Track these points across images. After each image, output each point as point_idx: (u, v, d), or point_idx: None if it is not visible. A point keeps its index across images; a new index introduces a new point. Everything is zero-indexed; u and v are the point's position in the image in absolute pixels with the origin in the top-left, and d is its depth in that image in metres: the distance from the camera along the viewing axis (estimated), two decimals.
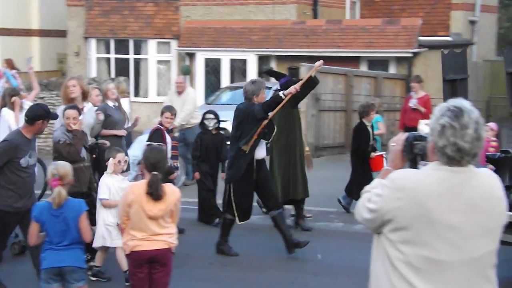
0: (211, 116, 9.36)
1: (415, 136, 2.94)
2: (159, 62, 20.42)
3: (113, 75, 19.57)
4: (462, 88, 11.12)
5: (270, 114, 7.30)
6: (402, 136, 2.99)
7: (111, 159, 6.63)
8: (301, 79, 8.31)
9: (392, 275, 2.68)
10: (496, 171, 5.74)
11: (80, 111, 7.11)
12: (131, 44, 20.55)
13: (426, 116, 11.14)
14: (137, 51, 20.53)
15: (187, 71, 19.56)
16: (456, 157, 2.62)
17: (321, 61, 7.81)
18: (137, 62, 20.53)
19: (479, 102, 18.49)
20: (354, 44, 18.57)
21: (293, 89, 7.24)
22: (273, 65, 19.39)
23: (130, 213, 4.88)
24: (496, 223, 2.70)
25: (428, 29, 20.26)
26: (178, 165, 9.16)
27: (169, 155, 7.90)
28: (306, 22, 19.52)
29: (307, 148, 9.34)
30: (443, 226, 2.62)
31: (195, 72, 19.80)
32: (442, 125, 2.63)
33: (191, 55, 19.95)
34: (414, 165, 2.96)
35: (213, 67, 19.72)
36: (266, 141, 7.52)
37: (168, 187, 4.94)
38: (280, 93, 7.33)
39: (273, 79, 10.67)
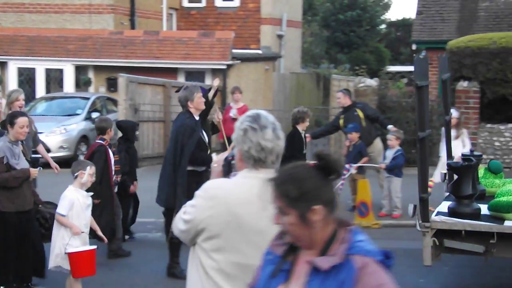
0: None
1: (232, 156, 3.02)
2: None
3: None
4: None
5: None
6: (221, 157, 3.08)
7: (80, 171, 5.84)
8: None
9: (206, 283, 2.67)
10: (459, 180, 5.61)
11: None
12: None
13: None
14: None
15: None
16: (261, 157, 2.70)
17: (217, 79, 7.47)
18: None
19: (286, 112, 18.99)
20: (172, 55, 18.26)
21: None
22: (91, 75, 18.51)
23: None
24: None
25: (241, 42, 20.52)
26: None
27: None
28: (124, 32, 18.87)
29: None
30: (251, 231, 2.64)
31: (7, 82, 18.27)
32: (244, 129, 2.73)
33: (3, 64, 18.44)
34: None
35: (27, 77, 18.35)
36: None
37: None
38: None
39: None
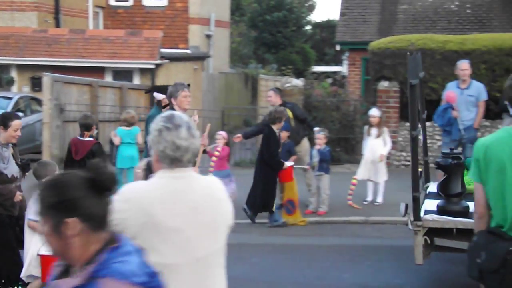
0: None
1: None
2: None
3: None
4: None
5: None
6: (143, 162, 3.14)
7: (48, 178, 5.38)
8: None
9: None
10: (447, 178, 5.54)
11: None
12: None
13: None
14: None
15: None
16: (177, 156, 2.70)
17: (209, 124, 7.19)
18: None
19: (216, 112, 18.98)
20: (98, 54, 17.88)
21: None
22: (14, 74, 17.89)
23: None
24: (219, 223, 2.74)
25: (169, 42, 20.34)
26: None
27: None
28: (48, 30, 18.32)
29: None
30: (167, 230, 2.63)
31: None
32: (158, 130, 2.73)
33: None
34: None
35: None
36: None
37: None
38: None
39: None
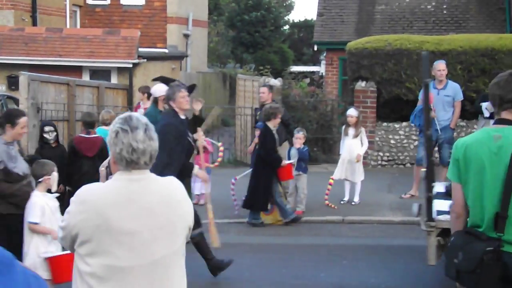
0: (51, 128, 8.18)
1: None
2: None
3: None
4: None
5: None
6: (106, 161, 2.89)
7: (45, 177, 5.43)
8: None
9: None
10: None
11: None
12: None
13: None
14: None
15: None
16: (134, 158, 2.67)
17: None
18: None
19: (191, 112, 18.88)
20: (76, 53, 17.70)
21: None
22: None
23: None
24: (176, 225, 2.71)
25: (147, 41, 20.21)
26: None
27: None
28: (25, 29, 18.09)
29: None
30: (121, 233, 2.61)
31: None
32: (115, 131, 2.70)
33: None
34: None
35: None
36: None
37: None
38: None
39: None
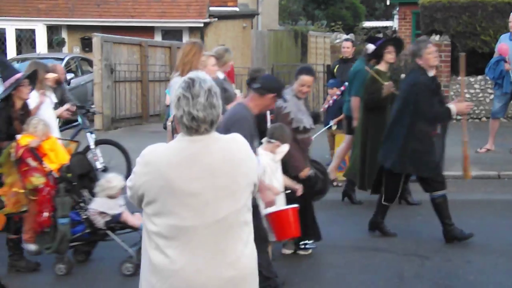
0: None
1: None
2: None
3: None
4: None
5: None
6: (172, 116, 2.94)
7: (278, 142, 5.56)
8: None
9: (149, 246, 2.72)
10: None
11: None
12: None
13: None
14: None
15: None
16: (193, 126, 2.66)
17: None
18: None
19: (265, 70, 18.88)
20: (147, 14, 17.95)
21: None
22: (64, 35, 18.17)
23: None
24: (239, 183, 2.72)
25: (218, 0, 20.21)
26: None
27: None
28: None
29: None
30: (184, 194, 2.65)
31: None
32: (177, 96, 2.68)
33: None
34: None
35: None
36: None
37: None
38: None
39: None
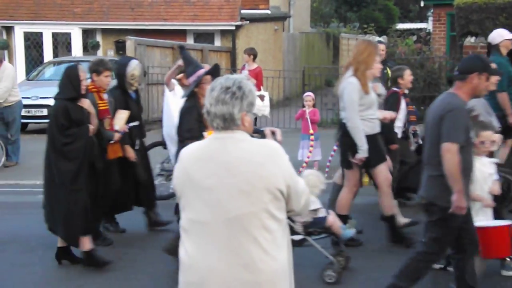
0: None
1: None
2: None
3: None
4: None
5: None
6: None
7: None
8: None
9: (180, 240, 2.82)
10: None
11: None
12: None
13: (257, 87, 11.03)
14: None
15: (4, 46, 17.98)
16: (208, 119, 2.74)
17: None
18: None
19: (296, 72, 18.87)
20: (180, 17, 18.11)
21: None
22: (99, 39, 18.43)
23: None
24: (255, 186, 2.68)
25: (250, 2, 20.28)
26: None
27: None
28: None
29: None
30: (201, 189, 2.71)
31: (14, 47, 18.23)
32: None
33: (9, 29, 18.33)
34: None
35: (34, 41, 18.29)
36: None
37: None
38: None
39: None
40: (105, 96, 6.31)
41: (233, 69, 16.46)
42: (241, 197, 2.69)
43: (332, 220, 5.28)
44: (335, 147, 9.54)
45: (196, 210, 2.73)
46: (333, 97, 16.57)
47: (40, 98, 14.16)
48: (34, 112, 14.06)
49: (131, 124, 6.52)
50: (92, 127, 5.67)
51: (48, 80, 15.36)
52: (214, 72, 5.55)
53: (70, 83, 5.60)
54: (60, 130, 5.52)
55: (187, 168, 2.77)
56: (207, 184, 2.71)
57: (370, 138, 5.95)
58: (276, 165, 2.74)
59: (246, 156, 2.72)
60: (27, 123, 13.99)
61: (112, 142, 6.24)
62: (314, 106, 9.62)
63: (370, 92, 5.96)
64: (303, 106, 9.54)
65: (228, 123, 2.73)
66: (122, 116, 6.38)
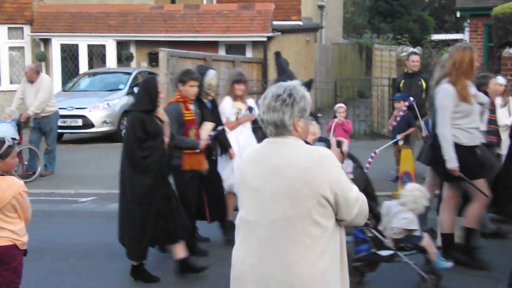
0: None
1: None
2: (11, 48, 18.88)
3: None
4: None
5: None
6: None
7: None
8: None
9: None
10: None
11: None
12: None
13: None
14: None
15: (42, 58, 18.33)
16: (263, 127, 2.84)
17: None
18: None
19: (328, 83, 18.79)
20: (212, 29, 18.23)
21: None
22: (133, 50, 18.64)
23: None
24: (298, 190, 2.72)
25: (281, 14, 20.32)
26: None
27: None
28: (164, 7, 18.92)
29: None
30: (250, 189, 2.82)
31: (51, 58, 18.57)
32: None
33: (46, 41, 18.67)
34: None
35: (70, 53, 18.60)
36: None
37: (4, 180, 4.33)
38: None
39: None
40: (191, 106, 6.21)
41: (264, 80, 16.47)
42: (285, 200, 2.74)
43: (429, 242, 5.20)
44: (370, 159, 9.49)
45: (246, 209, 2.85)
46: (366, 109, 16.52)
47: (76, 108, 14.39)
48: (69, 122, 14.28)
49: (212, 133, 6.41)
50: (166, 140, 5.58)
51: (83, 91, 15.59)
52: (308, 85, 5.49)
53: (147, 95, 5.50)
54: (137, 143, 5.43)
55: (242, 168, 2.91)
56: (256, 184, 2.82)
57: (468, 149, 5.68)
58: (322, 172, 2.75)
59: (292, 161, 2.77)
60: (62, 133, 14.19)
61: (196, 151, 6.14)
62: (346, 117, 9.55)
63: (470, 101, 5.68)
64: (335, 117, 9.49)
65: (280, 129, 2.81)
66: (207, 127, 6.33)
